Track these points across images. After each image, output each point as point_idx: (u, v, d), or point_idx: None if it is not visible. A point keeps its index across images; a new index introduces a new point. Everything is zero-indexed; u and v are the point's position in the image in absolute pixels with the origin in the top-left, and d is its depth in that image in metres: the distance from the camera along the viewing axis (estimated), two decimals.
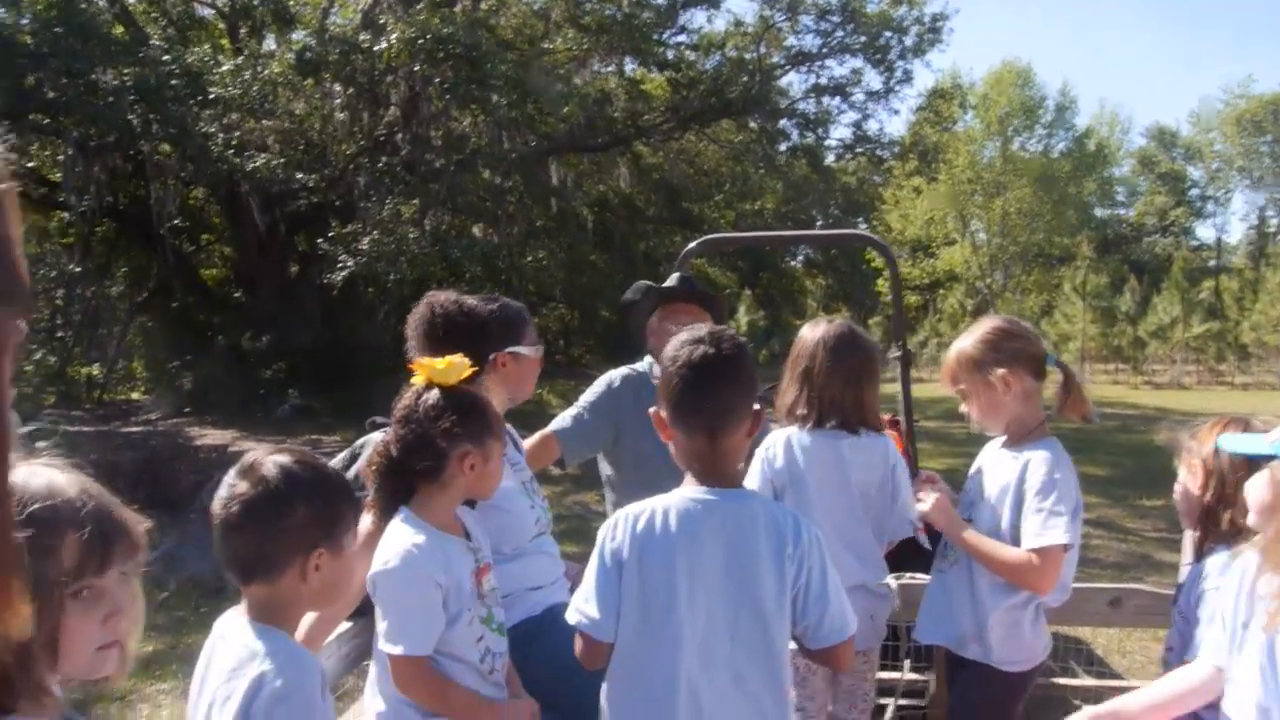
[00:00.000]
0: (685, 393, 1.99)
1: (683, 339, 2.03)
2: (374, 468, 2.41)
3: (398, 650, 2.26)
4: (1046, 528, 2.47)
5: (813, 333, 2.82)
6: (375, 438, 2.86)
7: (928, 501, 2.65)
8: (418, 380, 2.38)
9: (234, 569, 1.76)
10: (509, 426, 3.10)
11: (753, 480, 2.70)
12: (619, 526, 2.01)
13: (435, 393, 2.35)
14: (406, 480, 2.38)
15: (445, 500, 2.36)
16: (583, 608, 2.02)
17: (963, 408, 2.70)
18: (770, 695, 1.95)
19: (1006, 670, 2.59)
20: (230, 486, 1.75)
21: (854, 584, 2.74)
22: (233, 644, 1.72)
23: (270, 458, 1.77)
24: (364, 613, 2.79)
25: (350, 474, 2.76)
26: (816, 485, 2.70)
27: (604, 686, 2.06)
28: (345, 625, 2.71)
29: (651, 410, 2.09)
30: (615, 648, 2.00)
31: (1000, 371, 2.60)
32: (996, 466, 2.66)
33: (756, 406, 2.03)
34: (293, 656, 1.71)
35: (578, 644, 2.06)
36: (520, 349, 2.94)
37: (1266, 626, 1.91)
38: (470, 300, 2.93)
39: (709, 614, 1.93)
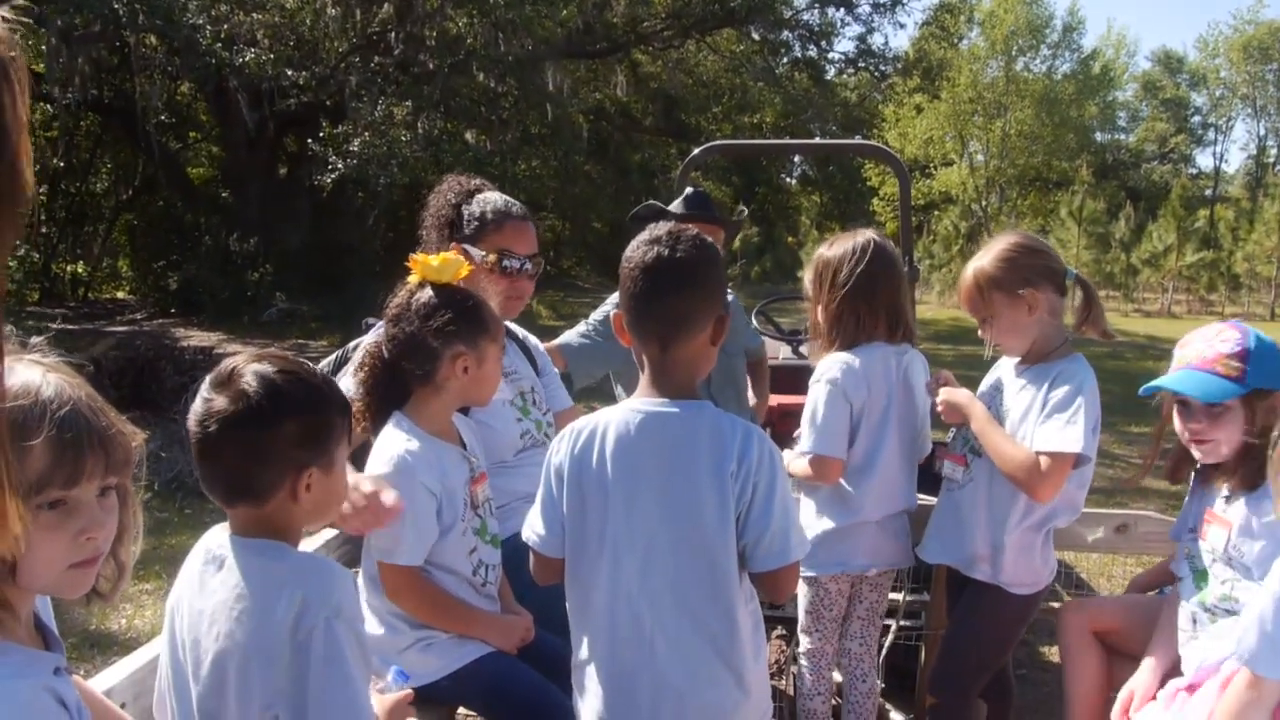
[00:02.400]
0: (637, 298, 1.87)
1: (641, 239, 1.89)
2: (365, 369, 2.33)
3: (389, 560, 2.20)
4: (1060, 434, 2.41)
5: (840, 249, 2.69)
6: (368, 339, 2.76)
7: (943, 397, 2.60)
8: (413, 278, 2.29)
9: (215, 491, 1.58)
10: (522, 331, 3.00)
11: (832, 406, 2.60)
12: (564, 440, 1.92)
13: (428, 291, 2.25)
14: (399, 383, 2.30)
15: (439, 405, 2.28)
16: (533, 523, 1.95)
17: (981, 331, 2.61)
18: (716, 616, 1.84)
19: (1014, 592, 2.56)
20: (206, 401, 1.54)
21: (906, 505, 2.75)
22: (238, 571, 1.55)
23: (250, 367, 1.55)
24: None
25: (341, 379, 2.67)
26: (894, 405, 2.66)
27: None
28: (330, 533, 2.64)
29: (613, 313, 1.96)
30: (565, 564, 1.93)
31: (1026, 289, 2.50)
32: (1019, 386, 2.58)
33: (721, 313, 1.89)
34: (319, 569, 1.59)
35: (531, 560, 1.99)
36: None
37: None
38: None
39: (648, 532, 1.83)
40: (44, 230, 21.02)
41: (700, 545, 1.81)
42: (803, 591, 2.80)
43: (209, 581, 1.58)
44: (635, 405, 1.88)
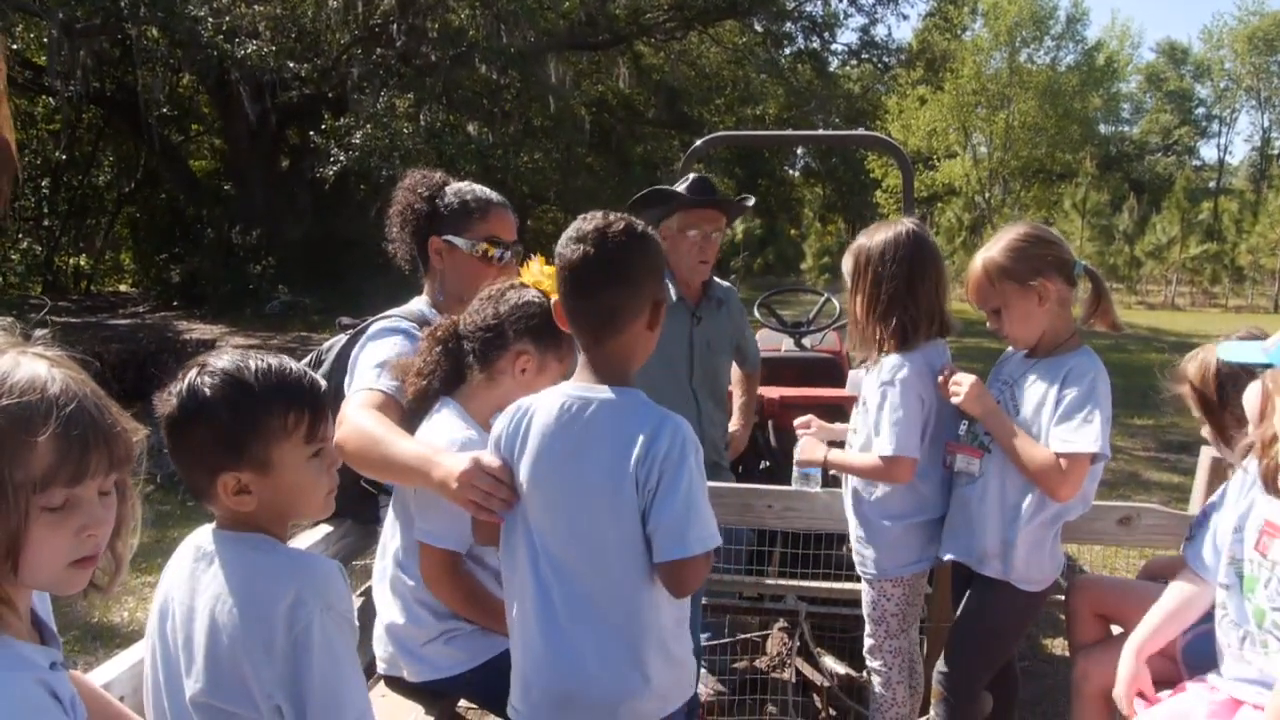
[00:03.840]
0: (567, 296, 1.88)
1: (568, 234, 1.87)
2: (435, 335, 2.33)
3: (437, 543, 2.21)
4: (1078, 434, 2.39)
5: (887, 237, 2.63)
6: (340, 340, 2.75)
7: (965, 385, 2.53)
8: (526, 277, 2.32)
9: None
10: None
11: (908, 406, 2.58)
12: (507, 414, 1.95)
13: (536, 294, 2.29)
14: (459, 360, 2.31)
15: (488, 397, 2.30)
16: None
17: (991, 324, 2.58)
18: (614, 600, 1.82)
19: (1023, 589, 2.54)
20: (163, 402, 1.57)
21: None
22: (227, 566, 1.55)
23: (194, 369, 1.56)
24: (343, 515, 2.72)
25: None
26: (947, 403, 2.63)
27: None
28: (327, 528, 2.63)
29: (554, 301, 1.97)
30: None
31: (1037, 280, 2.48)
32: (1029, 380, 2.55)
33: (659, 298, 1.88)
34: (309, 564, 1.58)
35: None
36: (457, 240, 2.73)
37: None
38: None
39: (561, 509, 1.84)
40: (46, 223, 21.03)
41: (603, 528, 1.81)
42: (889, 595, 2.76)
43: (200, 578, 1.57)
44: (566, 387, 1.90)
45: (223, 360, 1.57)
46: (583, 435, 1.83)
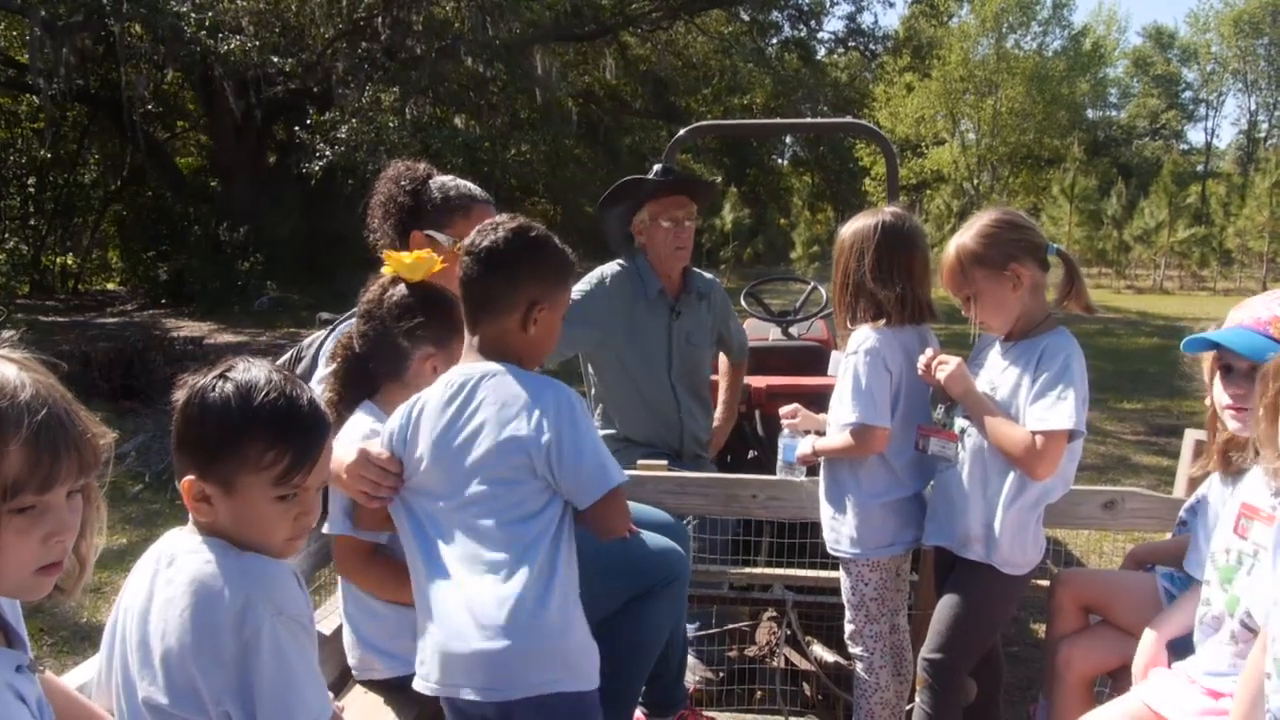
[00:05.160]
0: (458, 280, 2.06)
1: (465, 244, 2.06)
2: (337, 360, 2.32)
3: (342, 533, 2.24)
4: (1053, 411, 2.40)
5: (858, 227, 2.69)
6: (320, 337, 2.75)
7: (949, 366, 2.55)
8: (387, 270, 2.27)
9: None
10: None
11: (873, 375, 2.61)
12: (396, 414, 2.08)
13: (401, 289, 2.27)
14: (370, 377, 2.30)
15: (409, 394, 2.27)
16: None
17: (965, 310, 2.58)
18: (500, 564, 1.90)
19: (1006, 572, 2.54)
20: (181, 386, 1.59)
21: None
22: (183, 571, 1.54)
23: (225, 373, 1.57)
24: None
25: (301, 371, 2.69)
26: (910, 383, 2.67)
27: None
28: None
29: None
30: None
31: (1010, 265, 2.49)
32: (1005, 364, 2.56)
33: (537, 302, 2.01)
34: (260, 569, 1.55)
35: None
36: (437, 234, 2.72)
37: None
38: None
39: (464, 484, 1.95)
40: (32, 222, 20.93)
41: (501, 497, 1.93)
42: (866, 579, 2.77)
43: (158, 580, 1.56)
44: (450, 373, 2.04)
45: (246, 374, 1.56)
46: (467, 409, 1.96)
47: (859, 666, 2.82)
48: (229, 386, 1.54)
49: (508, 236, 2.01)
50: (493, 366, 1.99)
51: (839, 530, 2.75)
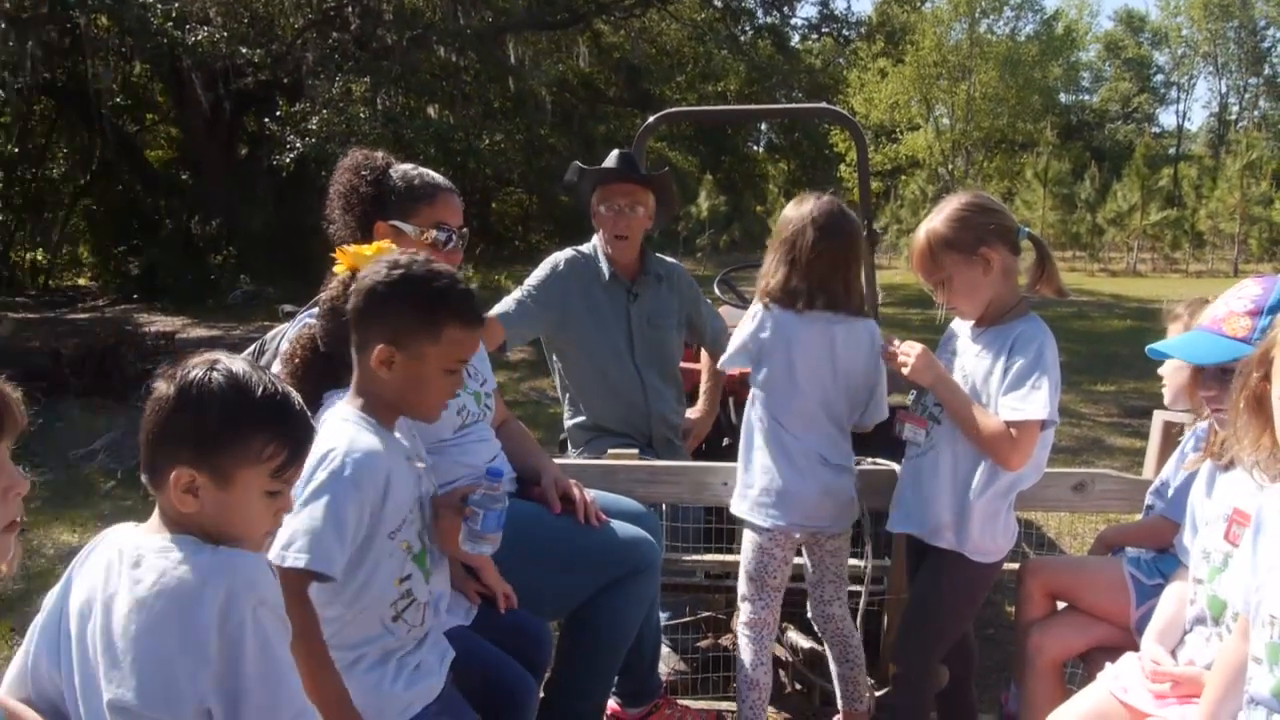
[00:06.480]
0: None
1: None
2: (298, 360, 2.25)
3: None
4: (1026, 401, 2.38)
5: (799, 210, 2.70)
6: (284, 328, 2.69)
7: (913, 355, 2.52)
8: (340, 269, 2.20)
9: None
10: None
11: (734, 343, 2.74)
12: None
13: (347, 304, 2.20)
14: (331, 372, 2.22)
15: None
16: None
17: (936, 295, 2.57)
18: None
19: (977, 560, 2.54)
20: (163, 378, 1.56)
21: (836, 464, 2.73)
22: (155, 569, 1.49)
23: (215, 364, 1.54)
24: None
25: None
26: (805, 368, 2.66)
27: None
28: None
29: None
30: None
31: (981, 249, 2.47)
32: (976, 350, 2.54)
33: (385, 346, 2.00)
34: (239, 561, 1.51)
35: None
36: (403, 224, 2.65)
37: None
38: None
39: None
40: (1, 218, 20.66)
41: None
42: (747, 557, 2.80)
43: (120, 581, 1.52)
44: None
45: (237, 365, 1.56)
46: None
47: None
48: (224, 378, 1.53)
49: (379, 278, 2.01)
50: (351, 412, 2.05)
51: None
